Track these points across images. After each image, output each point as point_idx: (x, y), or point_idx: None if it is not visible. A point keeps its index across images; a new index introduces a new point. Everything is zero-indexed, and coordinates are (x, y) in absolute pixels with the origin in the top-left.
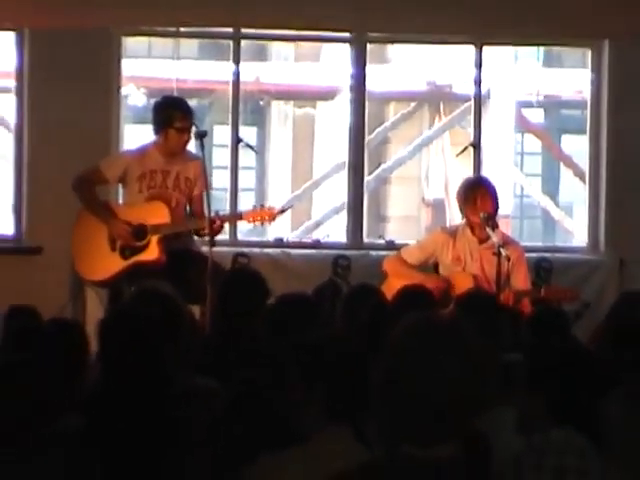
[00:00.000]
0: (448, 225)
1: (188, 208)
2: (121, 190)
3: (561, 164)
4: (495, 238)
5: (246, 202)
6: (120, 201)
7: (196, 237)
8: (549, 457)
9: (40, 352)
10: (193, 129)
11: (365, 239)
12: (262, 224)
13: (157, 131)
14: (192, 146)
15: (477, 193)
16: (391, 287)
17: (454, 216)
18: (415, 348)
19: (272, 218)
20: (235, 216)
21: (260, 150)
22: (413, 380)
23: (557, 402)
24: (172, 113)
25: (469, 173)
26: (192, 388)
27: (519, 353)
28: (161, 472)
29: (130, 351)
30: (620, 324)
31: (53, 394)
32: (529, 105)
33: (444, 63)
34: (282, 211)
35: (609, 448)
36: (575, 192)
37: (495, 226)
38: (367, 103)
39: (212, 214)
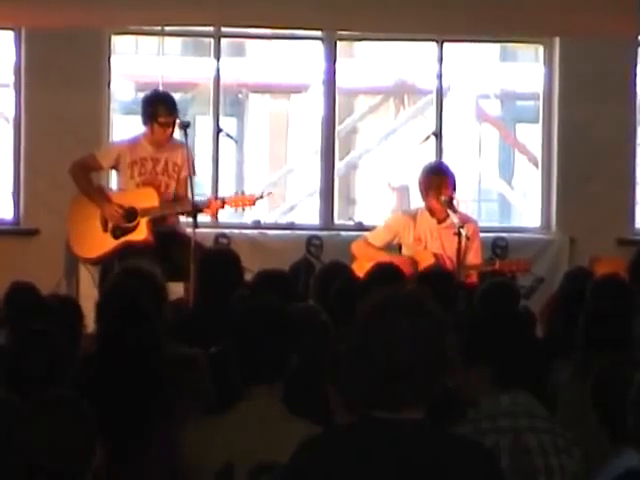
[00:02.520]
0: (410, 208)
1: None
2: (115, 177)
3: (516, 151)
4: (456, 219)
5: (226, 187)
6: (113, 187)
7: (184, 218)
8: (502, 420)
9: (43, 324)
10: (178, 121)
11: (336, 221)
12: (243, 209)
13: (144, 123)
14: (177, 135)
15: (436, 177)
16: (360, 269)
17: (416, 200)
18: (381, 317)
19: (252, 203)
20: (219, 201)
21: (239, 139)
22: (380, 347)
23: (505, 370)
24: (157, 109)
25: (431, 160)
26: (178, 356)
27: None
28: (150, 426)
29: (125, 322)
30: (566, 300)
31: (60, 359)
32: (486, 97)
33: (408, 59)
34: (261, 197)
35: (559, 411)
36: (529, 177)
37: (453, 207)
38: (337, 96)
39: (194, 201)
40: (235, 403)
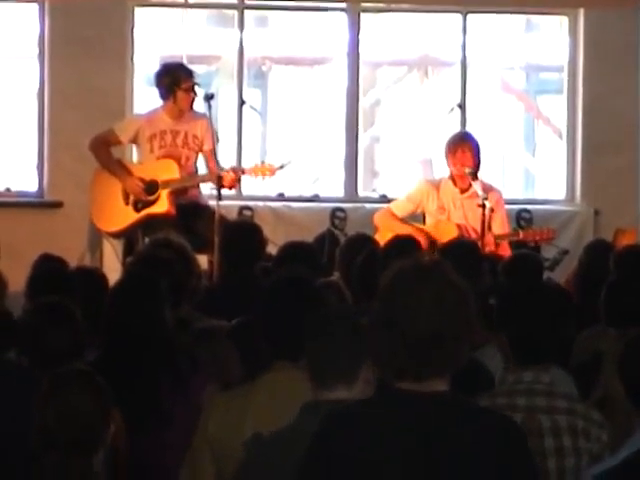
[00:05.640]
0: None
1: (203, 164)
2: (135, 151)
3: (540, 123)
4: (480, 191)
5: (250, 159)
6: (134, 161)
7: (209, 190)
8: (519, 398)
9: (70, 294)
10: (197, 89)
11: (360, 193)
12: (263, 178)
13: (165, 96)
14: (201, 107)
15: (459, 145)
16: (382, 239)
17: (440, 172)
18: (403, 287)
19: (272, 173)
20: (238, 171)
21: (262, 111)
22: (406, 316)
23: (525, 341)
24: (177, 76)
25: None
26: (205, 328)
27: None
28: (167, 398)
29: (150, 294)
30: (587, 272)
31: (83, 331)
32: (510, 69)
33: (432, 31)
34: (281, 167)
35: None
36: (553, 149)
37: (477, 178)
38: (361, 68)
39: (217, 171)
40: (262, 374)
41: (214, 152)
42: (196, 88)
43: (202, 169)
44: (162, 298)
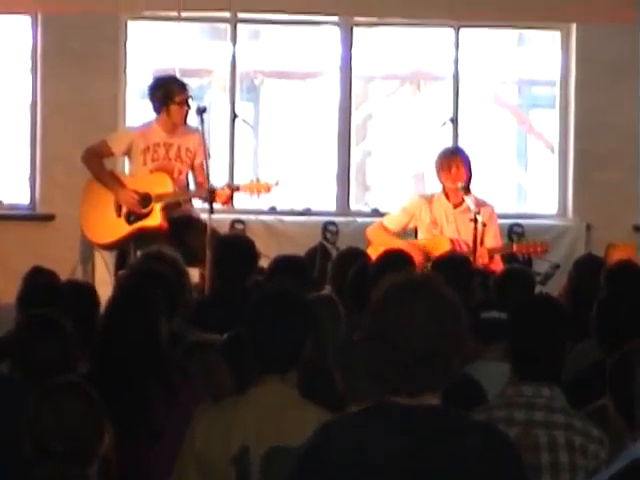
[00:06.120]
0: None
1: (191, 177)
2: (127, 164)
3: (532, 137)
4: (472, 205)
5: (242, 173)
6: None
7: (200, 203)
8: (518, 411)
9: (61, 307)
10: (191, 102)
11: (352, 207)
12: (259, 196)
13: (158, 109)
14: (193, 121)
15: (452, 161)
16: (375, 254)
17: (432, 186)
18: (395, 302)
19: (268, 190)
20: (233, 188)
21: (255, 125)
22: (398, 331)
23: (523, 355)
24: (170, 89)
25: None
26: (197, 341)
27: (490, 311)
28: (157, 412)
29: (126, 307)
30: (577, 287)
31: (74, 344)
32: (503, 83)
33: (425, 45)
34: (276, 184)
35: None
36: (545, 163)
37: (470, 193)
38: (353, 82)
39: (209, 186)
40: (249, 388)
41: (204, 167)
42: (189, 101)
43: (191, 183)
44: (159, 311)
